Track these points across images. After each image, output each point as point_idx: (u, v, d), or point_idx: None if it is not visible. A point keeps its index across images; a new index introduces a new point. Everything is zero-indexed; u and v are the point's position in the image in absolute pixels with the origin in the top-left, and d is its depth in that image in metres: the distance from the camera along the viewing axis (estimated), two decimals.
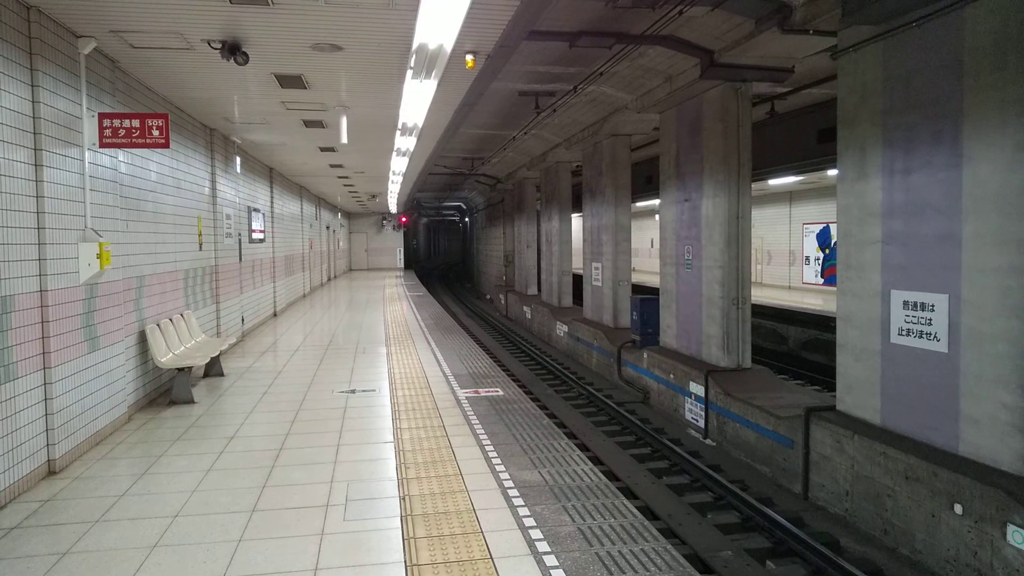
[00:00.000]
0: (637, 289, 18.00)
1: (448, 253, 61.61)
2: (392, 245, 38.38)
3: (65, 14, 5.32)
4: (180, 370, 7.43)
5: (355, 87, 7.80)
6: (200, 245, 9.67)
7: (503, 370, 13.64)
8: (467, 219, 47.08)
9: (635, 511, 4.44)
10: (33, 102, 5.11)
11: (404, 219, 37.62)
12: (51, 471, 5.25)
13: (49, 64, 5.27)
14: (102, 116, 5.97)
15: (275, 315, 15.98)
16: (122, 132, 6.01)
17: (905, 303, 6.25)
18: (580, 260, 17.65)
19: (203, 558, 3.85)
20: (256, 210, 13.84)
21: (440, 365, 9.47)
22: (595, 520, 4.29)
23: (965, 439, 5.69)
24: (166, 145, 6.15)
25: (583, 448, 9.12)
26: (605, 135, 14.10)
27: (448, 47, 6.06)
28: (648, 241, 31.06)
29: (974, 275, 5.58)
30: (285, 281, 17.50)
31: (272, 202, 15.94)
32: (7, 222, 4.74)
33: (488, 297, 33.27)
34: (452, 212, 49.17)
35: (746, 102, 9.47)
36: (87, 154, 5.82)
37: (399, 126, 10.23)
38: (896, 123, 6.30)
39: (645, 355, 11.73)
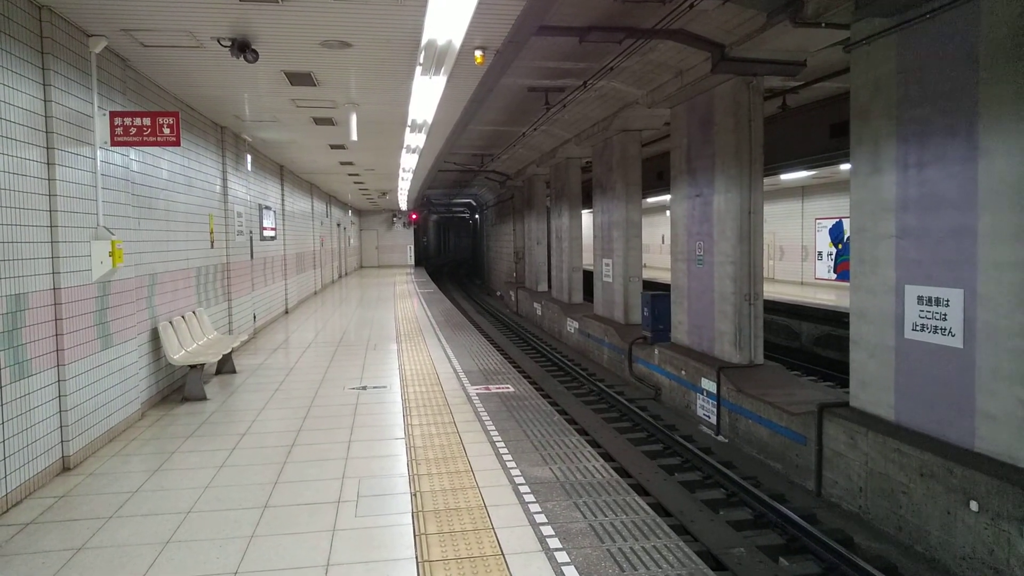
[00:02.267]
0: (648, 285, 17.92)
1: (458, 250, 61.66)
2: (402, 242, 38.45)
3: (76, 13, 5.35)
4: (192, 367, 7.48)
5: (364, 84, 7.80)
6: (212, 243, 9.71)
7: (514, 366, 13.62)
8: (477, 216, 47.09)
9: (647, 508, 4.42)
10: (45, 101, 5.14)
11: (414, 216, 37.68)
12: (65, 467, 5.30)
13: (60, 63, 5.31)
14: (113, 115, 6.00)
15: (287, 312, 16.06)
16: (133, 130, 6.03)
17: (919, 298, 6.18)
18: (590, 256, 17.58)
19: (216, 554, 3.87)
20: (267, 208, 13.89)
21: (451, 362, 9.47)
22: (607, 517, 4.27)
23: (981, 435, 5.62)
24: (177, 143, 6.18)
25: (594, 444, 9.10)
26: (615, 131, 14.04)
27: (457, 42, 6.05)
28: (659, 237, 30.94)
29: (990, 269, 5.51)
30: (296, 278, 17.58)
31: (283, 200, 16.00)
32: (20, 220, 4.78)
33: (498, 294, 33.28)
34: (462, 209, 49.18)
35: (757, 96, 9.40)
36: (99, 152, 5.86)
37: (409, 123, 10.23)
38: (910, 116, 6.23)
39: (656, 351, 11.69)
